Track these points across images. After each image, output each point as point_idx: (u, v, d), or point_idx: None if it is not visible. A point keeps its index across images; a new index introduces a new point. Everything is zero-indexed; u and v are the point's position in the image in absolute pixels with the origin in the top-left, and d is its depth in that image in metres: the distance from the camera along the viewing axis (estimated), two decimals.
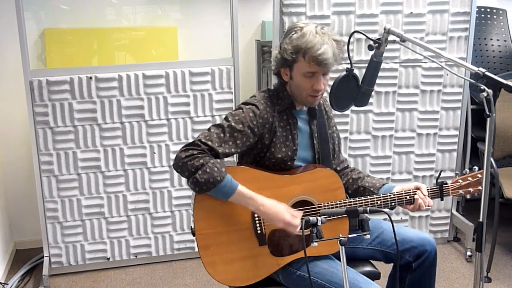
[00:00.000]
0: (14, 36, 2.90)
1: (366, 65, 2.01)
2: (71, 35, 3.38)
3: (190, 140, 1.98)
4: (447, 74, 3.22)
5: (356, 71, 2.03)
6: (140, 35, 3.47)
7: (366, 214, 1.71)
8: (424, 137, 3.29)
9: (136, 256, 3.26)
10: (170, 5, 3.61)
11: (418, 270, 2.12)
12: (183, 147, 1.94)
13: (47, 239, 3.11)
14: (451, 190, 2.09)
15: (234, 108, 2.22)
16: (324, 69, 1.96)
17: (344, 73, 2.01)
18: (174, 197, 3.22)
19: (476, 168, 2.09)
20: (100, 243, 3.19)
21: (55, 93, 2.94)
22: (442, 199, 2.11)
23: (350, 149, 3.26)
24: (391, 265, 2.23)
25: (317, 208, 2.02)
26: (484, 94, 1.69)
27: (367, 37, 1.96)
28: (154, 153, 3.13)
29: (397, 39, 1.90)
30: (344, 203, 2.02)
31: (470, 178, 2.08)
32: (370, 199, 2.03)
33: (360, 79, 2.03)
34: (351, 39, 2.14)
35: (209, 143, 1.93)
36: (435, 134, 3.29)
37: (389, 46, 1.98)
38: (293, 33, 1.99)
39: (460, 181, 2.08)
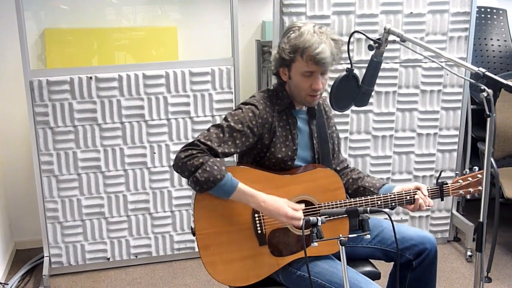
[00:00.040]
0: (14, 36, 2.90)
1: (366, 65, 2.01)
2: (71, 35, 3.38)
3: (190, 140, 1.98)
4: (447, 74, 3.22)
5: (356, 71, 2.03)
6: (140, 35, 3.47)
7: (366, 214, 1.71)
8: (424, 137, 3.29)
9: (136, 256, 3.26)
10: (170, 5, 3.61)
11: (419, 268, 2.13)
12: (182, 148, 1.94)
13: (47, 239, 3.11)
14: (451, 190, 2.09)
15: (233, 108, 2.22)
16: (322, 68, 1.96)
17: (344, 73, 2.01)
18: (174, 197, 3.22)
19: (476, 168, 2.09)
20: (100, 243, 3.19)
21: (55, 93, 2.94)
22: (442, 199, 2.11)
23: (350, 149, 3.26)
24: (391, 264, 2.23)
25: (317, 208, 2.02)
26: (484, 94, 1.69)
27: (367, 37, 1.96)
28: (154, 153, 3.13)
29: (397, 39, 1.90)
30: (344, 203, 2.02)
31: (470, 178, 2.08)
32: (370, 199, 2.03)
33: (360, 79, 2.03)
34: (351, 39, 2.14)
35: (208, 143, 1.93)
36: (435, 134, 3.29)
37: (389, 46, 1.98)
38: (291, 32, 1.99)
39: (460, 181, 2.09)
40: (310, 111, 2.13)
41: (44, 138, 2.98)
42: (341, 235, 1.68)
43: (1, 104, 3.36)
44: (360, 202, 2.02)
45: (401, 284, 2.16)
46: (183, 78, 3.07)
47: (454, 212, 3.46)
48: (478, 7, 3.48)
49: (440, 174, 2.13)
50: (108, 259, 3.22)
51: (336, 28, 3.06)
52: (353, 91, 2.03)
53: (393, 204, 2.05)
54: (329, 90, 2.04)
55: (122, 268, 3.25)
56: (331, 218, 1.98)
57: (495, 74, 1.74)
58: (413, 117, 3.26)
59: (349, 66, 2.00)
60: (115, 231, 3.19)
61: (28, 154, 3.23)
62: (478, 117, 3.50)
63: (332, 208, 2.02)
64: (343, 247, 1.67)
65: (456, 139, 3.32)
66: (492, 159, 3.06)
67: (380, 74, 2.02)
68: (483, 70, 1.73)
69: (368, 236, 1.72)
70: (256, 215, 2.00)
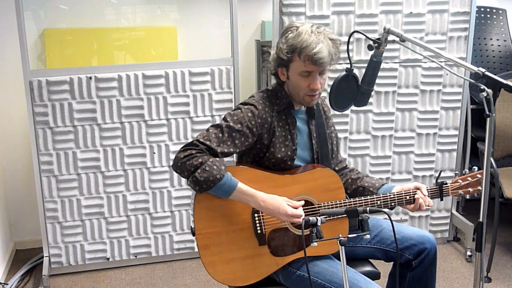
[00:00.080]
0: (13, 36, 2.90)
1: (366, 65, 2.01)
2: (70, 35, 3.38)
3: (190, 140, 1.98)
4: (447, 74, 3.22)
5: (355, 71, 2.03)
6: (140, 35, 3.47)
7: (365, 214, 1.72)
8: (424, 137, 3.30)
9: (136, 256, 3.26)
10: (169, 5, 3.61)
11: (419, 268, 2.13)
12: (181, 148, 1.94)
13: (47, 239, 3.11)
14: (451, 190, 2.09)
15: (232, 108, 2.22)
16: (320, 68, 1.96)
17: (344, 73, 2.01)
18: (174, 197, 3.22)
19: (475, 168, 2.09)
20: (100, 243, 3.19)
21: (55, 93, 2.94)
22: (441, 199, 2.11)
23: (350, 149, 3.26)
24: (391, 264, 2.23)
25: (317, 208, 2.02)
26: (484, 94, 1.69)
27: (367, 37, 1.96)
28: (154, 153, 3.13)
29: (397, 39, 1.90)
30: (344, 203, 2.02)
31: (469, 178, 2.08)
32: (370, 199, 2.03)
33: (360, 79, 2.03)
34: (351, 39, 2.15)
35: (208, 143, 1.93)
36: (435, 134, 3.30)
37: (388, 46, 1.98)
38: (289, 32, 1.99)
39: (460, 181, 2.09)
40: (309, 111, 2.13)
41: (43, 138, 2.98)
42: (340, 235, 1.68)
43: (1, 104, 3.36)
44: (360, 202, 2.02)
45: (400, 284, 2.17)
46: (182, 78, 3.07)
47: (454, 212, 3.46)
48: (477, 7, 3.48)
49: (439, 174, 2.14)
50: (108, 259, 3.22)
51: (336, 28, 3.06)
52: (353, 91, 2.03)
53: (393, 204, 2.05)
54: (328, 90, 2.04)
55: (121, 268, 3.25)
56: (331, 218, 1.98)
57: (494, 74, 1.74)
58: (413, 117, 3.26)
59: (348, 66, 2.00)
60: (114, 231, 3.19)
61: (27, 154, 3.23)
62: (478, 117, 3.50)
63: (332, 208, 2.02)
64: (343, 247, 1.68)
65: (455, 139, 3.32)
66: (491, 159, 3.06)
67: (379, 74, 2.03)
68: (483, 70, 1.73)
69: (368, 236, 1.72)
70: (256, 215, 2.00)
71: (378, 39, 1.94)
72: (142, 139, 3.10)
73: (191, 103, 3.12)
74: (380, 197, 2.03)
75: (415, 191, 2.04)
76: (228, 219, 1.99)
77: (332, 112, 2.23)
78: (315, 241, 1.68)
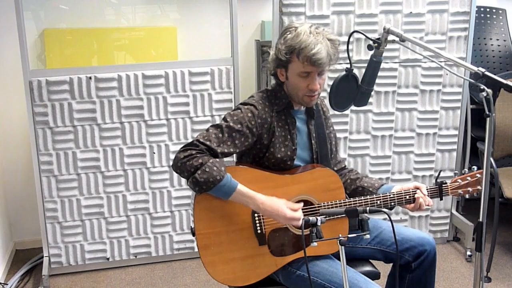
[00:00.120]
0: (13, 36, 2.90)
1: (366, 65, 2.01)
2: (70, 35, 3.38)
3: (190, 140, 1.98)
4: (447, 74, 3.22)
5: (355, 71, 2.03)
6: (140, 35, 3.47)
7: (365, 214, 1.71)
8: (423, 137, 3.30)
9: (135, 256, 3.26)
10: (169, 5, 3.61)
11: (418, 270, 2.13)
12: (181, 148, 1.94)
13: (47, 239, 3.11)
14: (450, 190, 2.09)
15: (232, 109, 2.22)
16: (318, 69, 1.95)
17: (344, 73, 2.01)
18: (174, 197, 3.22)
19: (475, 168, 2.09)
20: (99, 243, 3.19)
21: (55, 93, 2.94)
22: (441, 199, 2.11)
23: (349, 149, 3.26)
24: (390, 264, 2.23)
25: (317, 208, 2.02)
26: (484, 93, 1.69)
27: (367, 37, 1.96)
28: (154, 153, 3.13)
29: (397, 38, 1.90)
30: (344, 203, 2.02)
31: (469, 178, 2.08)
32: (370, 198, 2.03)
33: (360, 79, 2.03)
34: (351, 39, 2.14)
35: (208, 143, 1.93)
36: (434, 134, 3.30)
37: (388, 46, 1.98)
38: (287, 33, 1.98)
39: (459, 180, 2.09)
40: (308, 111, 2.13)
41: (43, 138, 2.98)
42: (340, 235, 1.68)
43: (1, 104, 3.36)
44: (360, 202, 2.02)
45: (400, 285, 2.16)
46: (182, 78, 3.07)
47: (454, 212, 3.46)
48: (477, 7, 3.48)
49: (439, 174, 2.14)
50: (108, 259, 3.22)
51: (336, 28, 3.06)
52: (353, 91, 2.03)
53: (392, 204, 2.05)
54: (328, 90, 2.03)
55: (121, 268, 3.25)
56: (331, 218, 1.98)
57: (494, 74, 1.74)
58: (413, 117, 3.26)
59: (348, 66, 2.00)
60: (114, 231, 3.19)
61: (27, 154, 3.23)
62: (478, 116, 3.50)
63: (332, 208, 2.02)
64: (343, 247, 1.68)
65: (455, 139, 3.32)
66: (491, 159, 3.06)
67: (379, 74, 2.03)
68: (483, 69, 1.73)
69: (368, 236, 1.72)
70: (255, 215, 2.00)
71: (378, 39, 1.94)
72: (142, 139, 3.10)
73: (191, 103, 3.11)
74: (380, 196, 2.03)
75: (415, 191, 2.04)
76: (228, 219, 1.99)
77: (332, 112, 2.23)
78: (315, 241, 1.68)
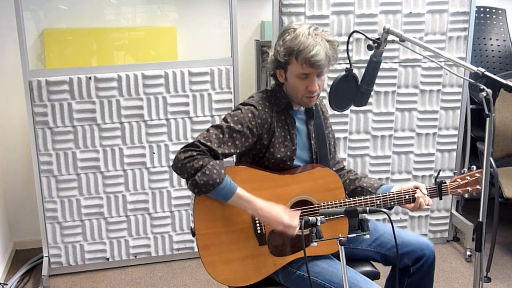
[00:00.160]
0: (13, 36, 2.90)
1: (366, 65, 2.01)
2: (70, 35, 3.38)
3: (190, 141, 1.97)
4: (447, 74, 3.22)
5: (355, 71, 2.03)
6: (139, 35, 3.47)
7: (365, 214, 1.71)
8: (423, 137, 3.30)
9: (135, 256, 3.26)
10: (169, 5, 3.61)
11: (416, 274, 2.12)
12: (182, 148, 1.94)
13: (47, 239, 3.11)
14: (450, 189, 2.09)
15: (232, 109, 2.22)
16: (317, 71, 1.95)
17: (344, 73, 2.01)
18: (174, 197, 3.22)
19: (474, 167, 2.09)
20: (99, 243, 3.19)
21: (55, 93, 2.94)
22: (441, 198, 2.11)
23: (349, 149, 3.26)
24: (389, 267, 2.23)
25: (317, 208, 2.02)
26: (484, 93, 1.69)
27: (367, 37, 1.96)
28: (154, 153, 3.13)
29: (396, 39, 1.90)
30: (343, 203, 2.02)
31: (468, 178, 2.08)
32: (370, 198, 2.03)
33: (360, 79, 2.03)
34: (350, 39, 2.14)
35: (208, 143, 1.93)
36: (434, 134, 3.30)
37: (388, 46, 1.97)
38: (286, 34, 1.98)
39: (459, 180, 2.09)
40: (308, 112, 2.13)
41: (43, 138, 2.98)
42: (340, 235, 1.68)
43: (1, 104, 3.36)
44: (360, 201, 2.02)
45: None
46: (182, 78, 3.07)
47: (454, 212, 3.46)
48: (477, 7, 3.48)
49: (438, 173, 2.14)
50: (108, 259, 3.22)
51: (335, 28, 3.06)
52: (352, 91, 2.03)
53: (392, 203, 2.05)
54: (328, 90, 2.03)
55: (121, 268, 3.25)
56: (330, 218, 1.98)
57: (494, 74, 1.74)
58: (413, 117, 3.26)
59: (348, 66, 2.00)
60: (114, 231, 3.19)
61: (27, 154, 3.23)
62: (478, 116, 3.50)
63: (331, 207, 2.02)
64: (343, 247, 1.67)
65: (455, 139, 3.32)
66: (491, 159, 3.06)
67: (379, 74, 2.03)
68: (482, 69, 1.73)
69: (368, 236, 1.71)
70: None
71: (378, 39, 1.94)
72: (141, 139, 3.10)
73: (190, 103, 3.11)
74: (379, 196, 2.03)
75: (415, 190, 2.05)
76: (228, 220, 1.99)
77: (332, 112, 2.23)
78: (315, 241, 1.68)
